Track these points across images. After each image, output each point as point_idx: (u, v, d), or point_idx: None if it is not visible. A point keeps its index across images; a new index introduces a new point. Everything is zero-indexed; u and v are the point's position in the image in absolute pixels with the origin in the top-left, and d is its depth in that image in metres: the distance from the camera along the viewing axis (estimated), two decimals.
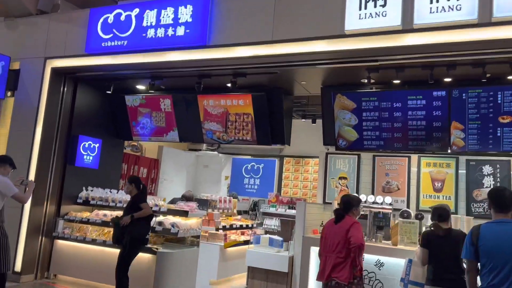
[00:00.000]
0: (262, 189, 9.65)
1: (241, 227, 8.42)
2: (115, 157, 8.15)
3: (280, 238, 6.94)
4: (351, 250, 3.63)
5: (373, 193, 7.42)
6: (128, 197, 6.04)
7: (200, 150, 10.62)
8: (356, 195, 5.14)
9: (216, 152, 10.44)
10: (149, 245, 6.28)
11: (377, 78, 5.72)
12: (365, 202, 7.10)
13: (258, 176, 9.78)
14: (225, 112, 7.08)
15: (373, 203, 7.04)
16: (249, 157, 10.34)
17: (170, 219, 6.53)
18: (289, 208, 7.42)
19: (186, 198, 7.49)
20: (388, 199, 6.79)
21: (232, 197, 9.07)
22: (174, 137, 7.64)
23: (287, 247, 6.93)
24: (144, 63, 6.31)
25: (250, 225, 8.68)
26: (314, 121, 8.83)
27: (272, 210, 7.48)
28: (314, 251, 5.28)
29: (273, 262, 6.69)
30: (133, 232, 5.27)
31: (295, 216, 6.90)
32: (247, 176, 9.93)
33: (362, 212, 6.26)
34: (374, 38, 4.90)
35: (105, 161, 7.72)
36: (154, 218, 5.88)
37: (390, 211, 5.80)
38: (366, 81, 5.64)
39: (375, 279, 5.06)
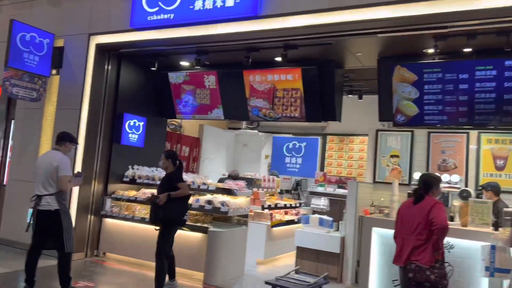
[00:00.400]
0: (305, 168, 9.39)
1: (285, 206, 8.24)
2: (158, 136, 8.04)
3: (330, 218, 6.71)
4: (434, 232, 3.35)
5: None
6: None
7: (240, 128, 10.41)
8: (437, 174, 4.79)
9: (256, 131, 10.21)
10: (198, 224, 6.19)
11: (442, 48, 5.29)
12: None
13: (300, 155, 9.51)
14: (272, 88, 6.80)
15: None
16: (290, 135, 10.06)
17: (219, 197, 6.38)
18: (338, 187, 7.17)
19: (232, 177, 7.32)
20: (445, 178, 6.43)
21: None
22: (218, 114, 7.44)
23: (337, 227, 6.72)
24: (190, 37, 6.07)
25: (293, 205, 8.49)
26: (360, 97, 8.44)
27: (320, 189, 7.25)
28: (377, 232, 5.02)
29: (324, 242, 6.49)
30: (169, 212, 4.94)
31: (346, 195, 6.67)
32: (288, 155, 9.67)
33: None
34: (445, 1, 4.48)
35: (149, 139, 7.62)
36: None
37: (455, 189, 5.44)
38: (432, 50, 5.23)
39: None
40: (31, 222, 4.61)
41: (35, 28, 6.66)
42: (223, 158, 10.33)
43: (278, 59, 6.46)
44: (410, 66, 5.70)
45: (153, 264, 6.24)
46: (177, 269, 6.13)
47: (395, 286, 4.86)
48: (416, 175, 6.66)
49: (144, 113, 7.58)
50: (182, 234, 6.18)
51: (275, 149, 9.88)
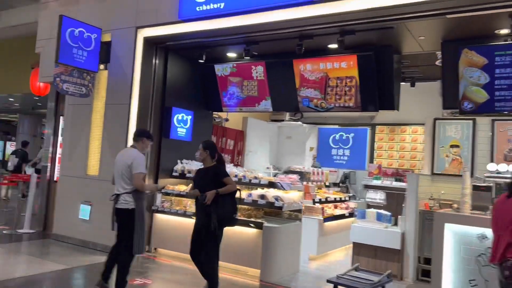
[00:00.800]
0: (353, 161, 9.07)
1: (335, 200, 7.96)
2: (205, 129, 7.91)
3: (388, 213, 6.40)
4: None
5: (492, 162, 6.62)
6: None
7: (283, 120, 10.16)
8: None
9: (299, 122, 9.93)
10: (252, 219, 6.02)
11: None
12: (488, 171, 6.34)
13: (348, 146, 9.18)
14: (324, 77, 6.51)
15: (496, 172, 6.27)
16: (336, 126, 9.74)
17: (271, 192, 6.19)
18: (396, 180, 6.82)
19: (284, 171, 7.10)
20: None
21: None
22: (266, 106, 7.22)
23: (395, 222, 6.40)
24: (241, 26, 5.86)
25: (343, 198, 8.20)
26: (413, 84, 8.00)
27: (375, 182, 6.91)
28: (450, 229, 4.68)
29: (383, 238, 6.19)
30: (221, 212, 4.42)
31: (406, 189, 6.33)
32: (335, 146, 9.36)
33: (483, 184, 5.55)
34: None
35: (196, 133, 7.50)
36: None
37: None
38: (506, 31, 4.80)
39: None
40: (114, 220, 4.53)
41: (83, 23, 6.62)
42: (266, 151, 10.12)
43: (332, 46, 6.16)
44: (479, 49, 5.28)
45: None
46: (230, 265, 6.03)
47: (472, 286, 4.54)
48: (491, 167, 6.22)
49: (191, 106, 7.45)
50: (235, 230, 6.03)
51: (321, 141, 9.60)
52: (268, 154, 10.12)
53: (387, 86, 6.14)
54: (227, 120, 8.56)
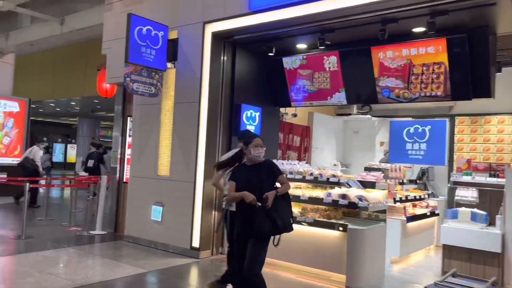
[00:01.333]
0: (430, 155, 8.34)
1: (414, 198, 7.36)
2: (272, 126, 7.61)
3: (483, 212, 5.76)
4: None
5: None
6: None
7: (350, 114, 9.63)
8: None
9: (368, 116, 9.36)
10: (333, 221, 5.62)
11: None
12: None
13: (424, 140, 8.47)
14: (407, 64, 5.95)
15: None
16: (409, 118, 9.08)
17: (353, 191, 5.74)
18: (490, 176, 6.16)
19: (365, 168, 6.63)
20: None
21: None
22: (340, 99, 6.76)
23: (489, 223, 5.75)
24: (316, 13, 5.46)
25: (422, 196, 7.58)
26: (499, 70, 7.22)
27: (466, 178, 6.27)
28: None
29: (479, 240, 5.56)
30: (283, 215, 3.75)
31: (504, 185, 5.67)
32: (409, 140, 8.69)
33: None
34: None
35: (264, 130, 7.19)
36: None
37: None
38: None
39: None
40: (225, 224, 4.46)
41: (150, 20, 6.48)
42: (333, 147, 9.64)
43: (417, 30, 5.61)
44: None
45: (291, 265, 5.81)
46: (309, 269, 5.69)
47: None
48: None
49: (259, 103, 7.15)
50: (315, 232, 5.68)
51: (393, 135, 8.95)
52: (335, 150, 9.64)
53: (481, 71, 5.51)
54: (295, 115, 8.17)
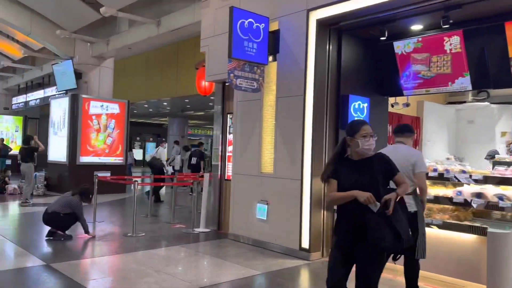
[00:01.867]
0: None
1: None
2: (381, 118, 7.00)
3: None
4: None
5: None
6: None
7: (464, 102, 8.64)
8: None
9: (486, 103, 8.31)
10: (466, 223, 4.93)
11: None
12: None
13: None
14: None
15: None
16: None
17: (490, 189, 4.99)
18: None
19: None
20: None
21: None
22: (464, 84, 5.96)
23: None
24: None
25: None
26: None
27: None
28: None
29: None
30: (403, 224, 3.05)
31: None
32: None
33: None
34: None
35: (372, 122, 6.52)
36: None
37: None
38: None
39: None
40: None
41: (252, 13, 6.25)
42: (444, 138, 8.72)
43: None
44: None
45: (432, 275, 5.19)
46: (441, 277, 5.06)
47: None
48: None
49: (366, 93, 6.59)
50: (444, 236, 5.04)
51: None
52: (447, 142, 8.72)
53: None
54: (407, 105, 7.47)
